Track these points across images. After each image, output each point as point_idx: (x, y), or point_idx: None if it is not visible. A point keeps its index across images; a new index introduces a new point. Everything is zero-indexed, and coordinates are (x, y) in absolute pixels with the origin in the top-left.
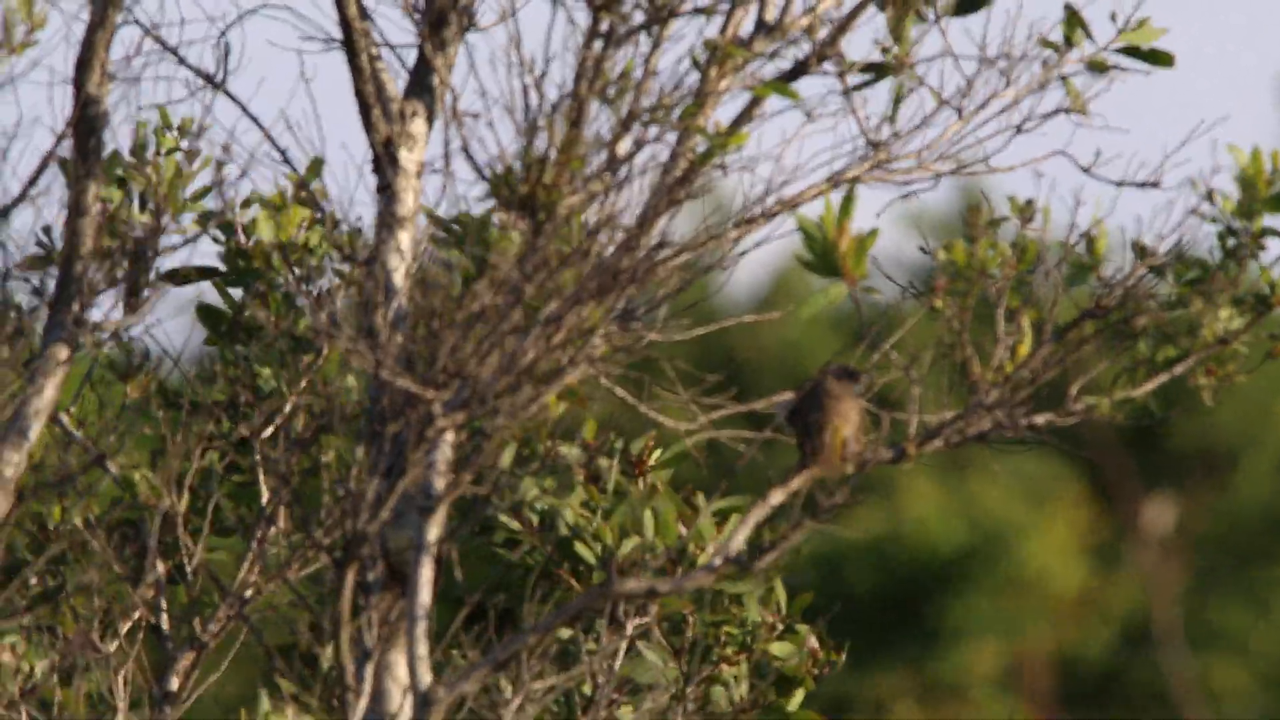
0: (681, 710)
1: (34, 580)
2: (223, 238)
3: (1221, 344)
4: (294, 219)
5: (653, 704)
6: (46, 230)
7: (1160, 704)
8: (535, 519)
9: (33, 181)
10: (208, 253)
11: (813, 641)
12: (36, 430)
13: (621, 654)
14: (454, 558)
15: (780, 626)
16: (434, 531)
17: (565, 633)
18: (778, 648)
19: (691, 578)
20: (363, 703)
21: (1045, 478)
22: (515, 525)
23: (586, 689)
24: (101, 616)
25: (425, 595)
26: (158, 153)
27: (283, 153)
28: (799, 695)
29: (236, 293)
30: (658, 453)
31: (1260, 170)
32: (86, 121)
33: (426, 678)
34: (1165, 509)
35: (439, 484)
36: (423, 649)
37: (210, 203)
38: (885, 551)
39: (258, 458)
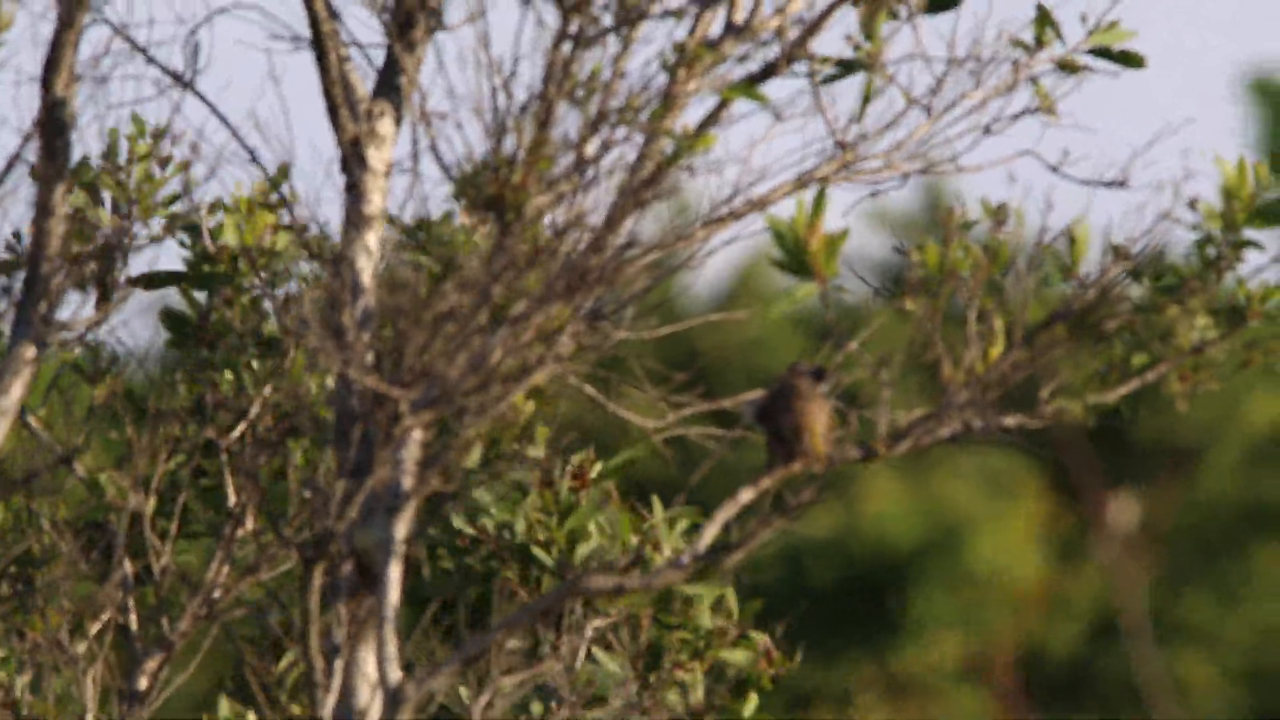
0: (638, 715)
1: (2, 585)
2: (189, 242)
3: (1195, 352)
4: (260, 223)
5: (611, 709)
6: (17, 235)
7: (1128, 698)
8: (491, 525)
9: None
10: (174, 256)
11: (767, 644)
12: (4, 430)
13: (581, 657)
14: (422, 557)
15: (733, 632)
16: (401, 530)
17: (516, 643)
18: (732, 655)
19: (661, 574)
20: (331, 699)
21: (1006, 472)
22: (470, 531)
23: (538, 708)
24: (70, 618)
25: (394, 593)
26: (130, 160)
27: (251, 152)
28: (753, 699)
29: (202, 297)
30: (598, 465)
31: (1244, 182)
32: (54, 122)
33: (395, 675)
34: (1131, 503)
35: (407, 483)
36: (392, 646)
37: (180, 206)
38: (846, 546)
39: (224, 458)
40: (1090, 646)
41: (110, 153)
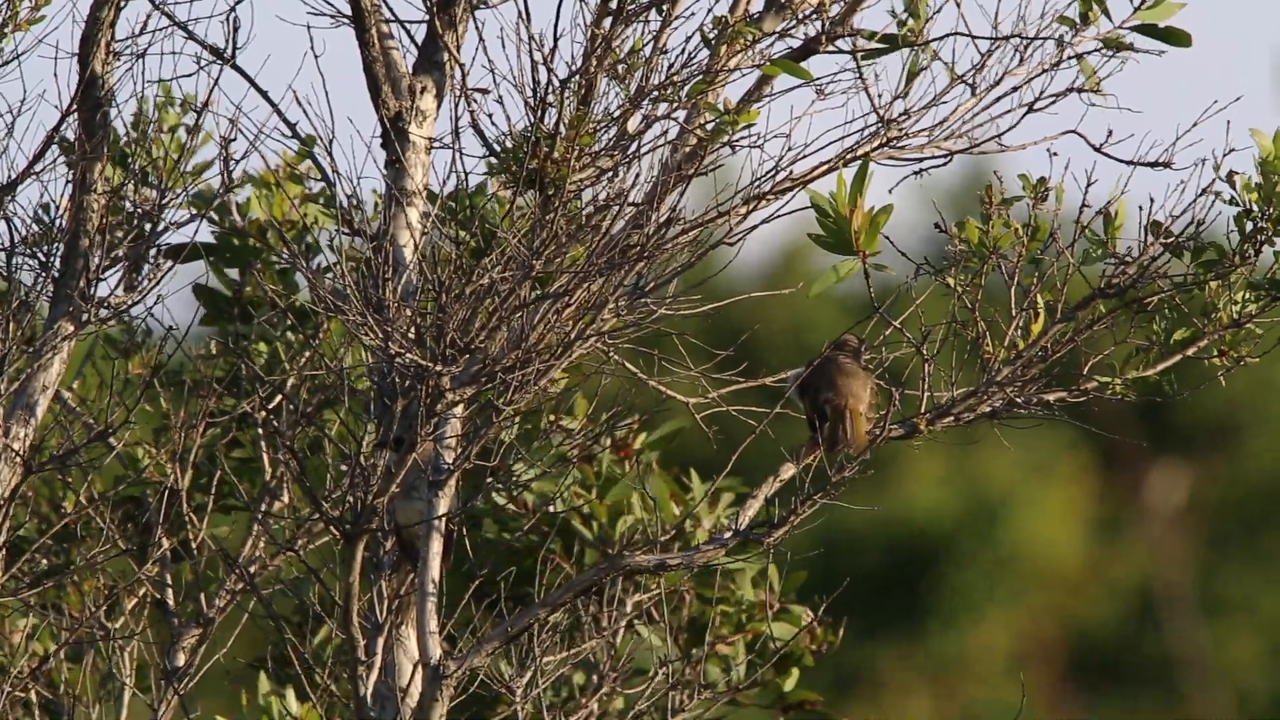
0: (680, 690)
1: (42, 560)
2: (217, 218)
3: (1236, 326)
4: (287, 196)
5: (652, 685)
6: (46, 209)
7: (1171, 675)
8: (531, 499)
9: (38, 158)
10: (207, 231)
11: (810, 619)
12: (44, 406)
13: (621, 633)
14: (463, 529)
15: (775, 606)
16: (443, 505)
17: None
18: (775, 628)
19: (703, 551)
20: (373, 676)
21: (1048, 449)
22: (511, 506)
23: (580, 679)
24: (107, 593)
25: (435, 569)
26: (159, 129)
27: (292, 127)
28: (795, 674)
29: (234, 271)
30: (643, 436)
31: None
32: (92, 98)
33: (437, 651)
34: (1174, 479)
35: (449, 458)
36: (433, 622)
37: (212, 178)
38: (887, 525)
39: (260, 432)
40: (1133, 624)
41: (139, 122)
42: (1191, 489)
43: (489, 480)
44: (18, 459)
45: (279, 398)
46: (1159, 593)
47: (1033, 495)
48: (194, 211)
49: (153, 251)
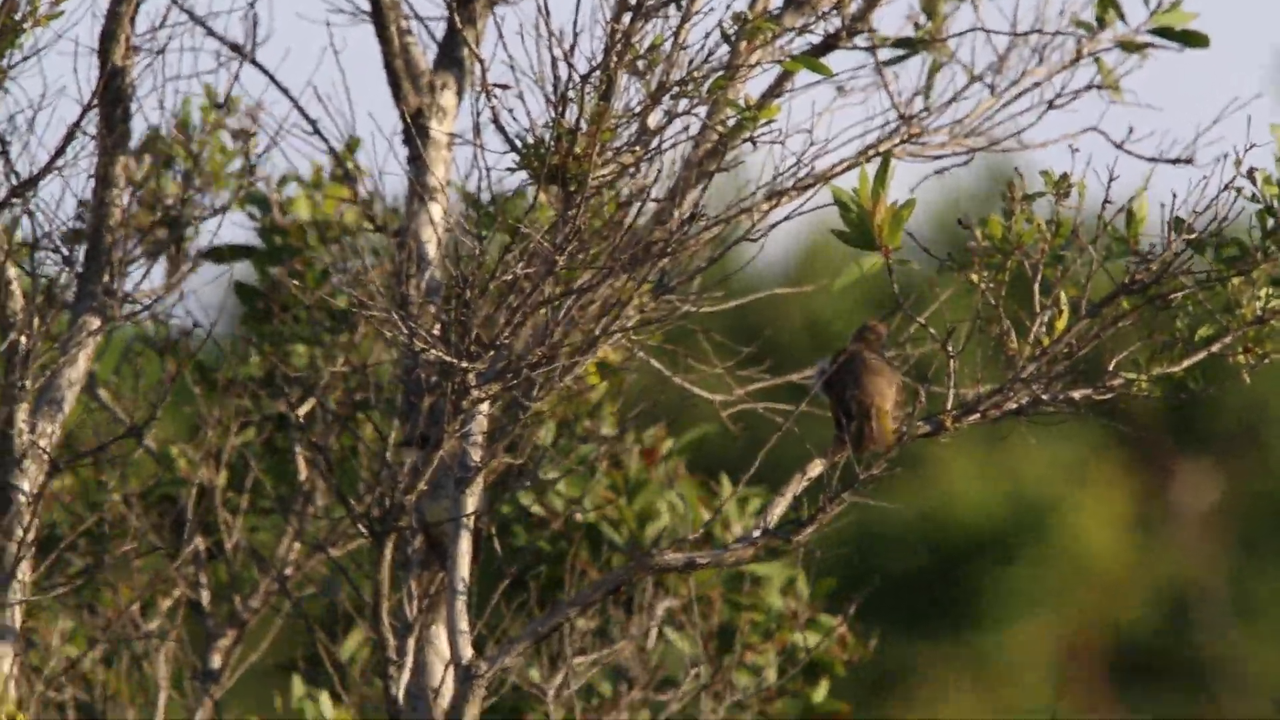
0: (709, 697)
1: (76, 561)
2: (258, 214)
3: (1260, 323)
4: (332, 197)
5: (681, 692)
6: (84, 204)
7: (1205, 676)
8: (559, 504)
9: (59, 153)
10: (241, 225)
11: (842, 629)
12: (71, 401)
13: (653, 637)
14: (492, 532)
15: (805, 614)
16: (471, 503)
17: (587, 624)
18: (803, 638)
19: (732, 550)
20: (404, 677)
21: (1085, 449)
22: (539, 510)
23: (608, 690)
24: (142, 593)
25: (464, 567)
26: (203, 130)
27: (313, 123)
28: (825, 684)
29: (273, 270)
30: (669, 442)
31: None
32: (112, 93)
33: (467, 650)
34: (1204, 479)
35: (475, 455)
36: (463, 621)
37: (249, 179)
38: (925, 525)
39: (295, 434)
40: (1168, 625)
41: (183, 124)
42: (1222, 489)
43: (518, 479)
44: (45, 456)
45: (312, 400)
46: (1192, 594)
47: (1072, 495)
48: (230, 202)
49: (190, 251)
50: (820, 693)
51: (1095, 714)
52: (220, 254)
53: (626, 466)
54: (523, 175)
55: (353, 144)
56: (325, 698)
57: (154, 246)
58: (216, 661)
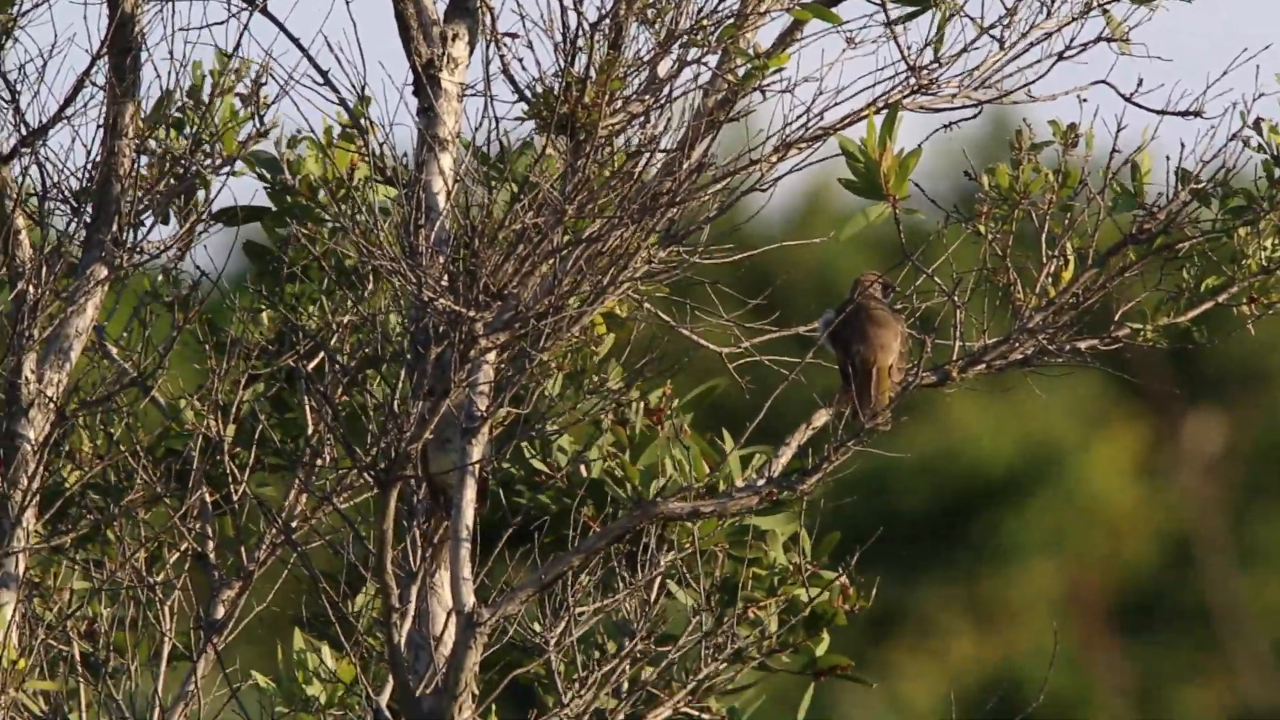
0: (712, 649)
1: (84, 516)
2: (269, 176)
3: (1265, 273)
4: (343, 158)
5: (683, 638)
6: (96, 165)
7: (1207, 621)
8: (564, 461)
9: (68, 102)
10: (249, 188)
11: (844, 581)
12: (78, 350)
13: (656, 588)
14: (496, 488)
15: (808, 569)
16: (476, 452)
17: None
18: (805, 593)
19: (736, 499)
20: (407, 624)
21: (1093, 395)
22: (543, 467)
23: (612, 647)
24: (149, 546)
25: (468, 516)
26: (214, 93)
27: (324, 74)
28: (827, 639)
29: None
30: (675, 402)
31: None
32: (122, 42)
33: (470, 599)
34: (1209, 426)
35: (481, 405)
36: (466, 569)
37: (258, 138)
38: (934, 469)
39: (304, 388)
40: (1171, 570)
41: (195, 89)
42: (1227, 436)
43: (523, 430)
44: (51, 405)
45: (321, 354)
46: (1196, 539)
47: (1080, 440)
48: (236, 159)
49: (199, 208)
50: (823, 646)
51: (1098, 656)
52: (231, 215)
53: (632, 423)
54: (531, 125)
55: (366, 99)
56: (326, 649)
57: (162, 198)
58: (220, 612)
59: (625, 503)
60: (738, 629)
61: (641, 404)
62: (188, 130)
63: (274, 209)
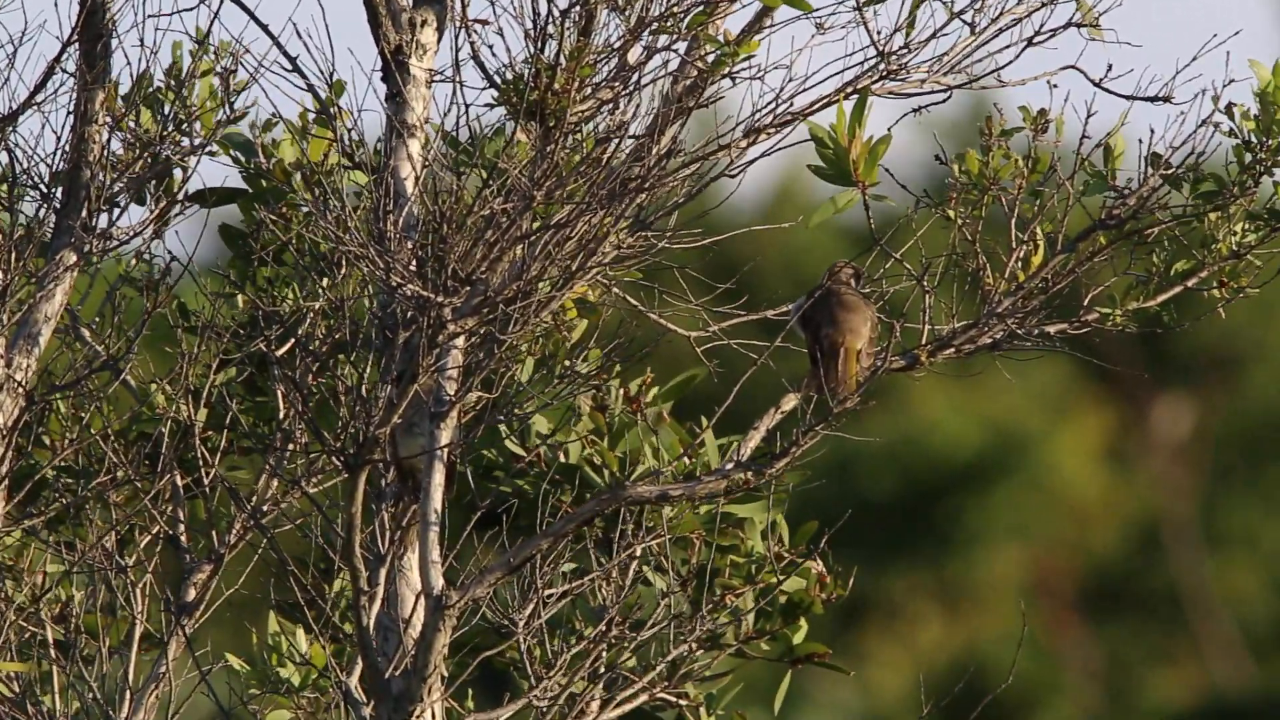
0: (687, 636)
1: (54, 499)
2: (243, 159)
3: (1235, 257)
4: (318, 145)
5: (655, 619)
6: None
7: (1175, 605)
8: (543, 447)
9: (39, 88)
10: (221, 171)
11: (820, 567)
12: (46, 336)
13: (631, 577)
14: (466, 471)
15: (785, 558)
16: (445, 436)
17: (569, 566)
18: (786, 584)
19: (705, 482)
20: (376, 607)
21: (1060, 380)
22: (521, 453)
23: (589, 630)
24: (116, 524)
25: (437, 499)
26: (191, 75)
27: (293, 60)
28: (804, 627)
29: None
30: (654, 390)
31: None
32: (93, 28)
33: (439, 581)
34: (1178, 411)
35: (450, 389)
36: (435, 553)
37: (231, 120)
38: (901, 456)
39: (275, 373)
40: (1139, 555)
41: (174, 70)
42: (1196, 421)
43: (493, 413)
44: (20, 389)
45: (290, 340)
46: (1164, 523)
47: (1047, 425)
48: (207, 142)
49: (173, 190)
50: (800, 634)
51: (1065, 641)
52: (204, 197)
53: (611, 410)
54: (501, 111)
55: (337, 87)
56: (300, 633)
57: (134, 183)
58: (191, 595)
59: (603, 489)
60: (714, 616)
61: (621, 391)
62: (166, 109)
63: (249, 191)
